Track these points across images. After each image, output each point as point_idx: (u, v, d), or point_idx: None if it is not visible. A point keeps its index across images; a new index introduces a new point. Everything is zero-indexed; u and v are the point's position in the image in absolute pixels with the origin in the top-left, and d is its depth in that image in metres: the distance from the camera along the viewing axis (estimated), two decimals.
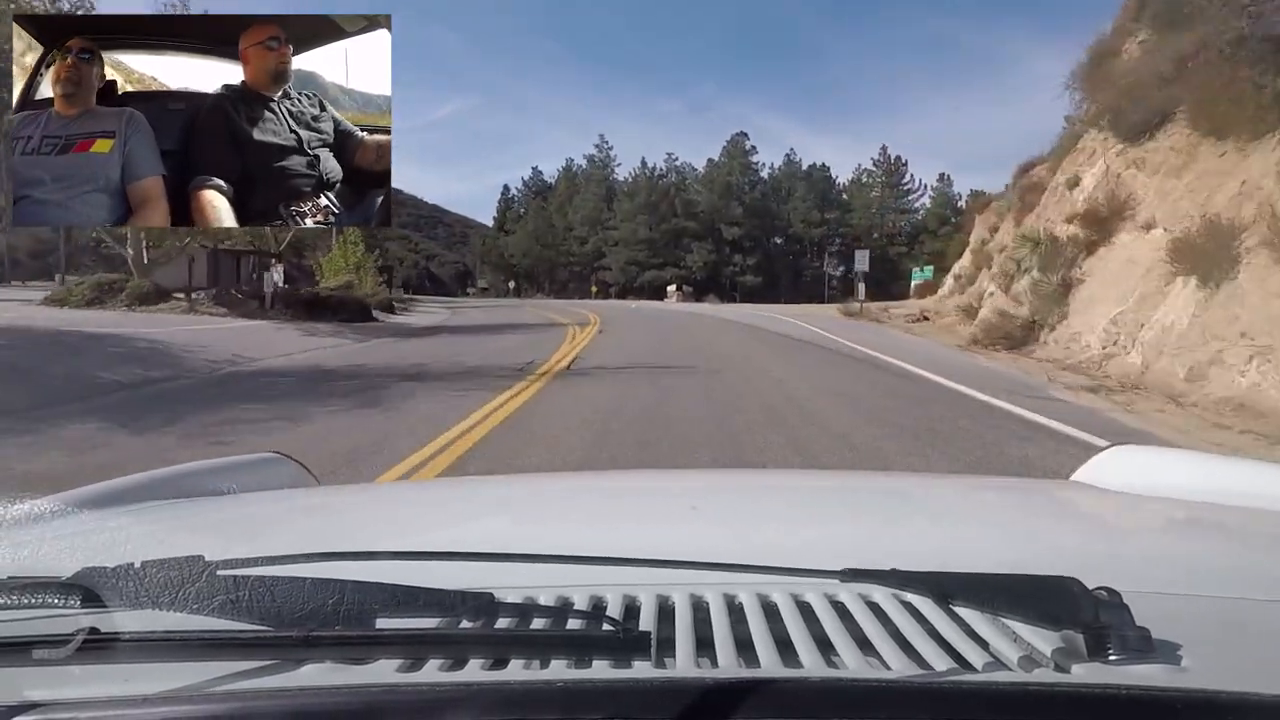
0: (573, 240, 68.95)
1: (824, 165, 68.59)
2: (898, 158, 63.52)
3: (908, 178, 63.06)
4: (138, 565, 0.43)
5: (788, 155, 70.41)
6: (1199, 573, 0.62)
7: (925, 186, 62.41)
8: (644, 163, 68.47)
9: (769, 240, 67.50)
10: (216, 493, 0.89)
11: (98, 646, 0.39)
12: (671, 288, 56.84)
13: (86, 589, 0.42)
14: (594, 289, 59.00)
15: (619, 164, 74.74)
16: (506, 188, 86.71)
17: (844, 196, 66.80)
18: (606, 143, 74.08)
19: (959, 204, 61.15)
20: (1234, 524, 0.80)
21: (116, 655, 0.40)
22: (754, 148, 67.45)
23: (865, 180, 65.13)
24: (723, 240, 63.58)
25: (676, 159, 70.27)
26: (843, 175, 69.62)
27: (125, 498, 0.81)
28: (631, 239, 63.42)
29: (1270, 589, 0.56)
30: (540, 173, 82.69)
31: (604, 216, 66.68)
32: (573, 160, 76.72)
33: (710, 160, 68.68)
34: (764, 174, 67.78)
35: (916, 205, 62.85)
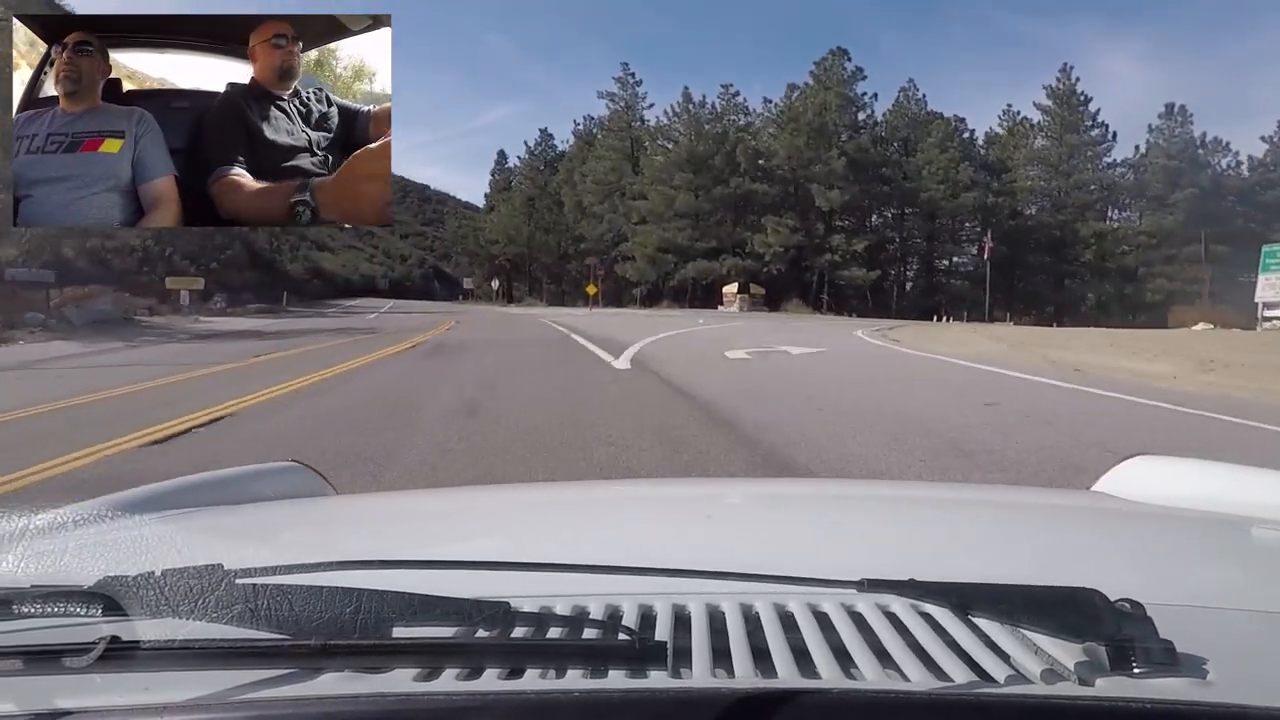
0: (585, 219, 62.45)
1: (951, 115, 59.36)
2: (1076, 90, 56.11)
3: (1090, 122, 56.02)
4: (158, 574, 0.57)
5: (903, 91, 61.79)
6: (1223, 585, 0.82)
7: (1114, 135, 55.85)
8: (687, 95, 58.84)
9: (882, 212, 58.98)
10: (236, 501, 1.24)
11: (119, 655, 0.53)
12: (731, 289, 50.73)
13: (108, 597, 0.56)
14: (591, 289, 49.37)
15: (650, 105, 67.96)
16: (503, 154, 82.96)
17: (983, 154, 58.98)
18: (634, 77, 65.96)
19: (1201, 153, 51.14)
20: (1259, 535, 1.06)
21: (137, 664, 0.54)
22: (859, 70, 57.63)
23: (1040, 123, 56.82)
24: (813, 211, 54.22)
25: (737, 93, 60.93)
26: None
27: (146, 506, 1.11)
28: (666, 212, 55.07)
29: None
30: (550, 136, 77.21)
31: (627, 182, 59.45)
32: (591, 117, 70.39)
33: (791, 87, 58.78)
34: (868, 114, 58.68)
35: (1106, 161, 56.31)
